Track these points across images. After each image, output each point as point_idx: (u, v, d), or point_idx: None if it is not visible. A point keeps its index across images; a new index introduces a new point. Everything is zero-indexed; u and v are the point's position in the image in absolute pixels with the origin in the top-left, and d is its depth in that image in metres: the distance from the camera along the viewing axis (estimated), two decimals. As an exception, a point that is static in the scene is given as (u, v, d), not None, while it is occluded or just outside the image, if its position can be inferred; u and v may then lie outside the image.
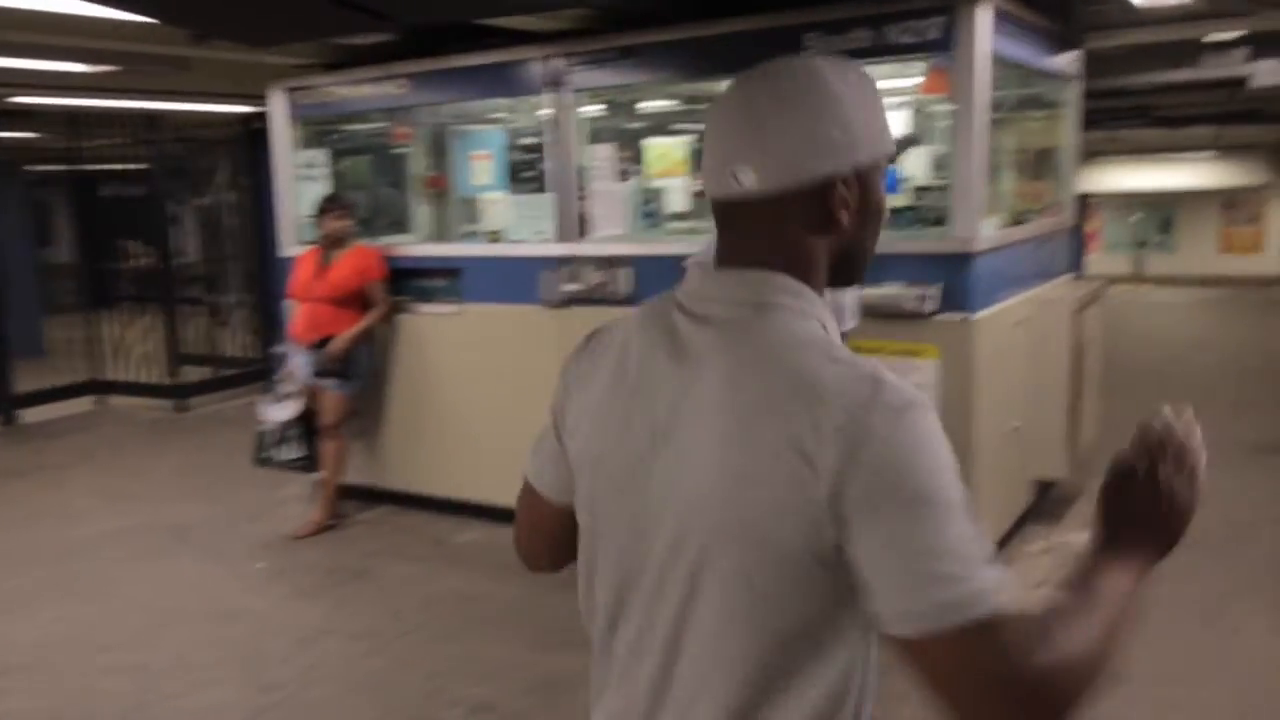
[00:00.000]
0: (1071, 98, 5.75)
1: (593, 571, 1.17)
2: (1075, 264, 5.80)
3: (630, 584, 1.11)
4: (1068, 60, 5.52)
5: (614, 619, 1.15)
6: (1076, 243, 5.62)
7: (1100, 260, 21.12)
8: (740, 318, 1.05)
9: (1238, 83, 8.32)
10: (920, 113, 4.98)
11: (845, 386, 0.98)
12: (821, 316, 1.08)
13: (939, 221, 4.38)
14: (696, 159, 5.73)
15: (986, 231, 4.29)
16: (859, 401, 0.96)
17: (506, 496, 5.54)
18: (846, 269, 1.12)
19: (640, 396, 1.10)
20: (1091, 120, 14.49)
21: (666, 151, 5.73)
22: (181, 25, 4.14)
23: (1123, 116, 13.42)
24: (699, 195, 5.64)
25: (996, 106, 4.24)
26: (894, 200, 4.59)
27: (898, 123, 5.06)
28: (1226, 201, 19.16)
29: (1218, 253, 19.47)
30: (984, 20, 4.06)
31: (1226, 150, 16.50)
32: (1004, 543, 4.79)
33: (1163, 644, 3.62)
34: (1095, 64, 8.68)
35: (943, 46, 4.11)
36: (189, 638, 4.20)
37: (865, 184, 1.08)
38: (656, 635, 1.09)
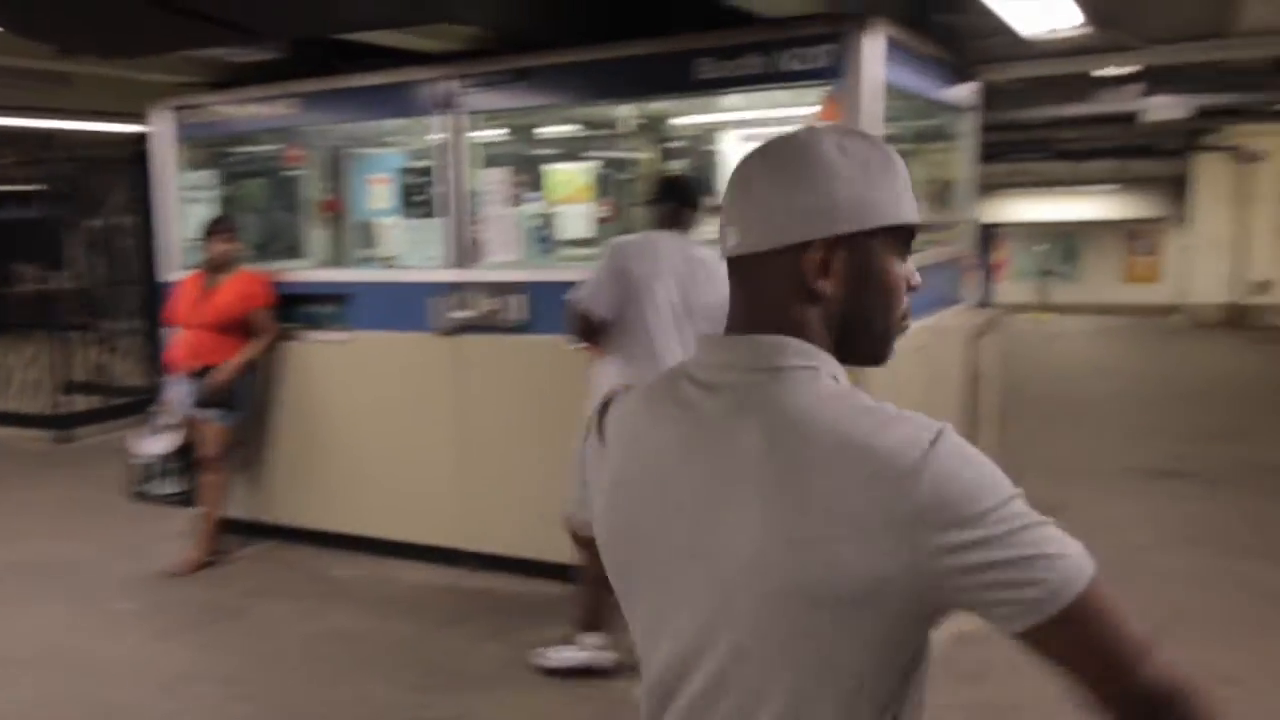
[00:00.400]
0: (969, 129, 5.81)
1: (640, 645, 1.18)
2: (975, 292, 5.83)
3: (680, 663, 1.10)
4: (964, 92, 5.58)
5: (667, 695, 1.12)
6: (967, 273, 5.66)
7: (1008, 289, 21.68)
8: (756, 383, 1.06)
9: (1130, 118, 8.57)
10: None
11: (882, 437, 0.98)
12: (836, 374, 1.08)
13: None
14: (601, 185, 5.67)
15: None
16: (903, 448, 0.97)
17: (396, 529, 5.36)
18: (854, 343, 1.11)
19: (659, 475, 1.11)
20: (996, 153, 14.90)
21: (569, 177, 5.65)
22: (29, 36, 3.94)
23: (1026, 149, 13.79)
24: (603, 221, 5.58)
25: (891, 136, 4.24)
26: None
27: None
28: (1128, 233, 19.79)
29: (1120, 282, 20.08)
30: (873, 48, 4.06)
31: (1128, 183, 17.03)
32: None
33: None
34: (994, 97, 8.85)
35: (833, 74, 4.10)
36: (41, 690, 3.94)
37: (860, 254, 1.08)
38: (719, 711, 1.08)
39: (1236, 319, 13.38)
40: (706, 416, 1.08)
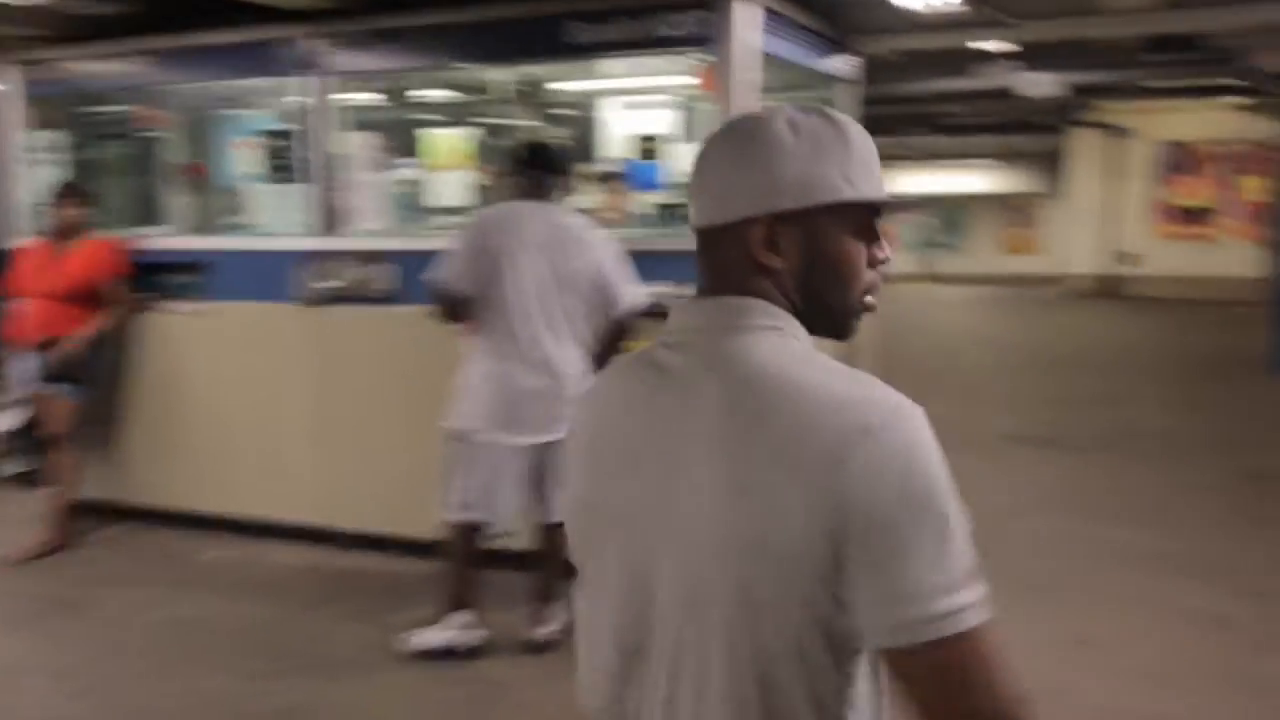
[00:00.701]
0: (849, 102, 5.79)
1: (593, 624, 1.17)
2: None
3: (644, 621, 1.09)
4: (844, 64, 5.57)
5: (632, 654, 1.11)
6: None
7: (897, 260, 22.09)
8: (720, 342, 1.06)
9: (1007, 94, 8.73)
10: (694, 110, 4.91)
11: (841, 401, 0.98)
12: (798, 336, 1.08)
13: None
14: (484, 152, 5.52)
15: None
16: (857, 415, 0.97)
17: (262, 508, 5.11)
18: (812, 317, 1.11)
19: (625, 436, 1.12)
20: (880, 127, 14.97)
21: (449, 143, 5.49)
22: None
23: (909, 124, 14.01)
24: (486, 188, 5.43)
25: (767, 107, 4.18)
26: (660, 198, 4.50)
27: (658, 120, 4.99)
28: (1009, 206, 20.35)
29: (1001, 253, 20.65)
30: (746, 16, 4.00)
31: (1009, 158, 17.46)
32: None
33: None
34: (876, 70, 8.92)
35: (707, 41, 4.03)
36: None
37: (809, 231, 1.08)
38: (669, 682, 1.07)
39: (1109, 289, 13.87)
40: (673, 377, 1.08)
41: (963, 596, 0.95)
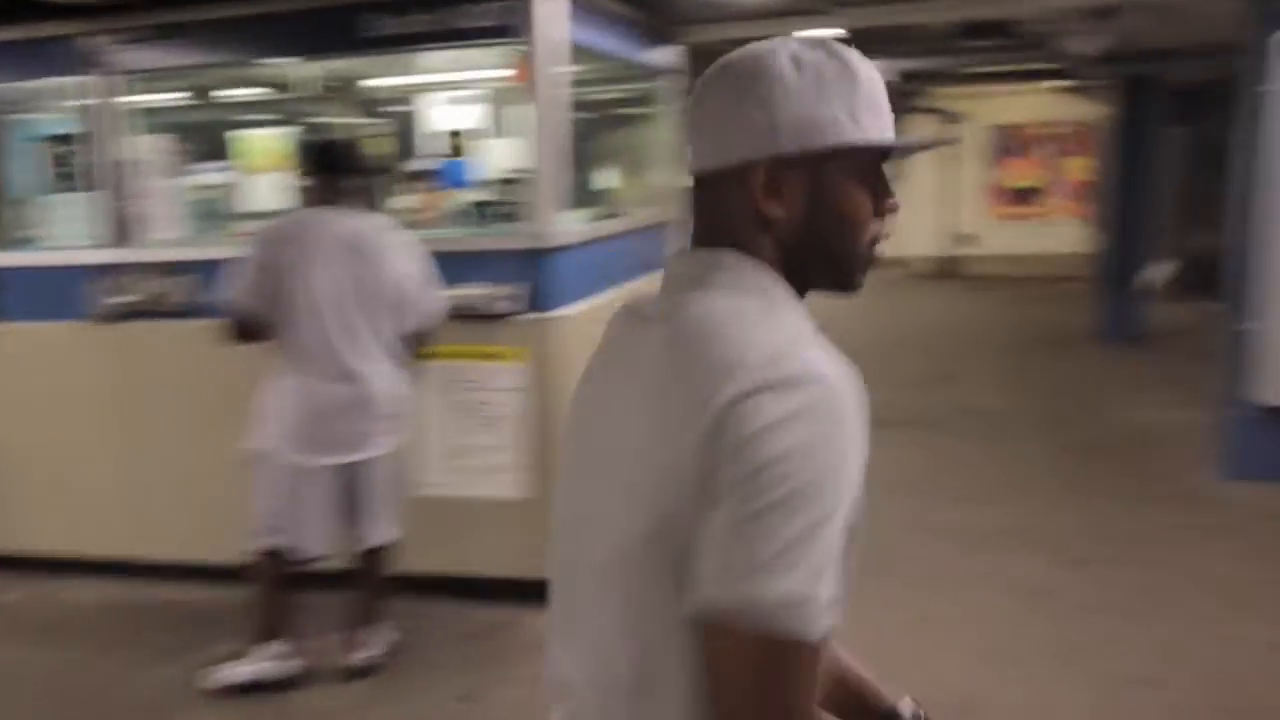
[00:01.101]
0: (671, 94, 5.74)
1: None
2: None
3: (573, 575, 1.08)
4: (665, 55, 5.51)
5: (564, 619, 1.10)
6: (669, 237, 5.59)
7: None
8: (682, 294, 1.02)
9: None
10: (509, 103, 4.77)
11: (746, 360, 0.92)
12: (770, 295, 1.01)
13: (519, 217, 4.17)
14: (301, 153, 5.23)
15: (570, 226, 4.14)
16: (752, 376, 0.91)
17: (61, 542, 4.68)
18: (813, 270, 1.05)
19: (598, 382, 1.12)
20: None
21: (262, 144, 5.20)
22: None
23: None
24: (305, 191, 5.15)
25: (587, 103, 4.08)
26: (474, 194, 4.36)
27: (469, 115, 4.83)
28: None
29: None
30: (551, 6, 3.88)
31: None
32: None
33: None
34: (707, 62, 8.95)
35: (512, 32, 3.89)
36: None
37: (812, 176, 1.01)
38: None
39: (949, 270, 14.30)
40: (639, 328, 1.06)
41: (772, 592, 0.86)
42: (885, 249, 1.08)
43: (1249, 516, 4.95)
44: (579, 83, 5.02)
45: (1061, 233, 13.53)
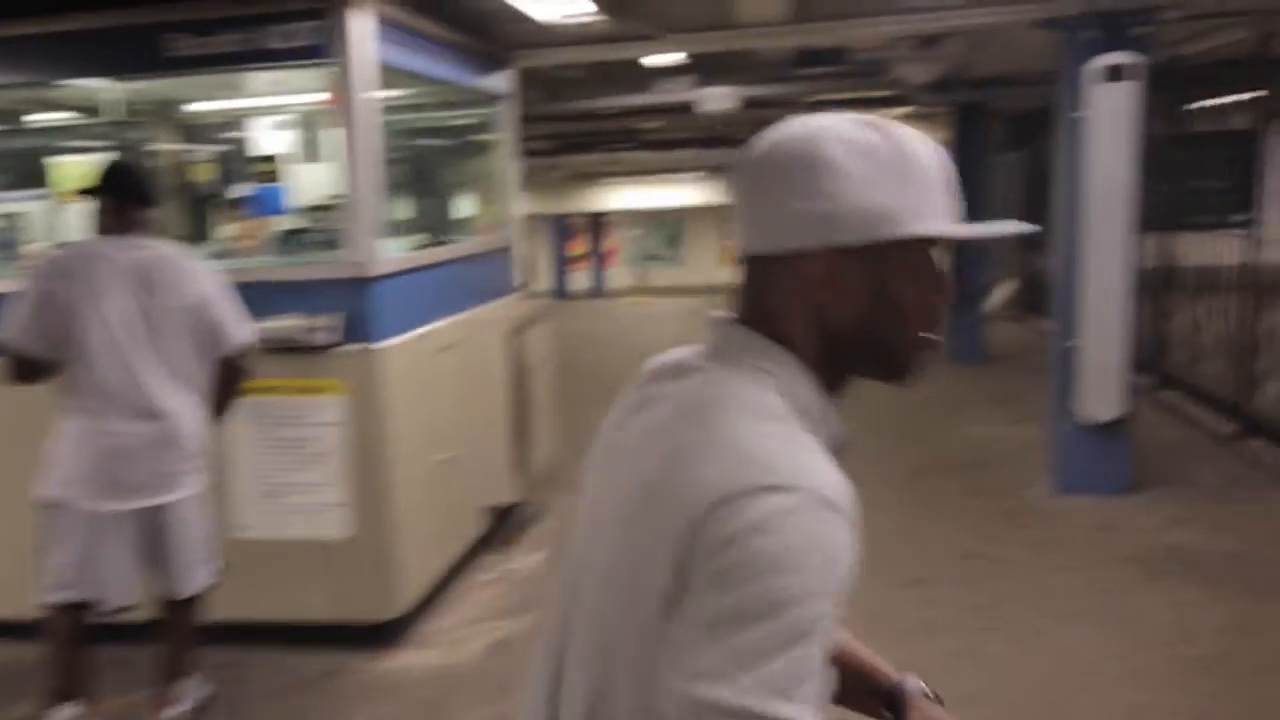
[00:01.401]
0: (505, 117, 5.66)
1: None
2: (511, 285, 5.55)
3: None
4: (498, 80, 5.44)
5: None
6: (511, 265, 5.49)
7: (619, 274, 22.56)
8: (703, 368, 1.01)
9: (687, 109, 8.94)
10: (327, 127, 4.62)
11: (738, 461, 0.89)
12: (794, 390, 0.98)
13: (339, 245, 4.03)
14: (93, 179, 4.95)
15: (390, 254, 4.01)
16: (737, 478, 0.88)
17: None
18: (863, 359, 1.01)
19: (616, 429, 1.09)
20: (582, 144, 15.24)
21: (77, 170, 4.90)
22: None
23: (613, 139, 14.24)
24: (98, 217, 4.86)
25: (418, 129, 3.95)
26: (286, 222, 4.20)
27: (285, 140, 4.68)
28: (724, 218, 21.17)
29: (717, 265, 21.42)
30: (362, 28, 3.77)
31: (724, 171, 18.11)
32: (455, 574, 4.57)
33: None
34: (556, 87, 8.93)
35: (323, 54, 3.76)
36: None
37: (872, 266, 0.96)
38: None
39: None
40: (666, 381, 1.04)
41: (728, 698, 0.82)
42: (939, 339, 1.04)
43: (1078, 529, 5.12)
44: (407, 107, 4.92)
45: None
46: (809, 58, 7.77)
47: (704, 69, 8.59)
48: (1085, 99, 5.17)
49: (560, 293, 20.17)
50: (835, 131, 0.97)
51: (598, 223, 22.28)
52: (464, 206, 5.47)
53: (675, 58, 8.20)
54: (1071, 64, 5.28)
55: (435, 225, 4.94)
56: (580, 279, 21.90)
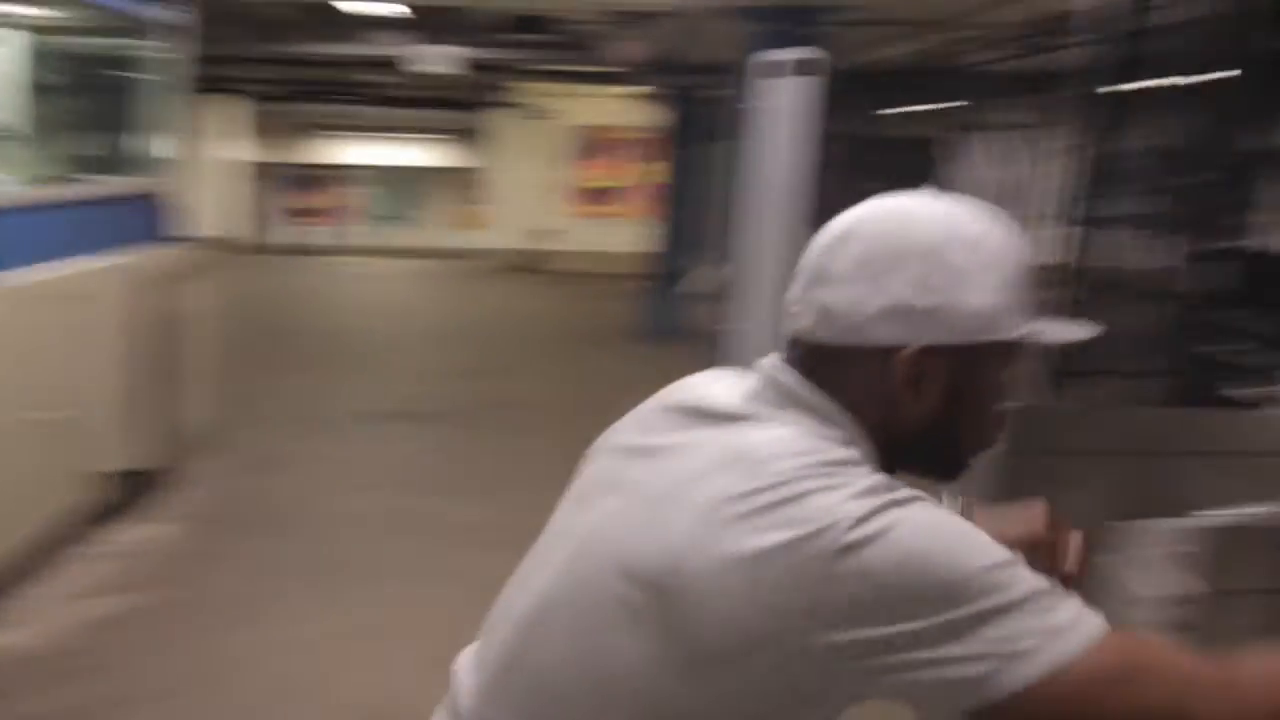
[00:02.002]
0: (174, 52, 5.16)
1: None
2: (164, 232, 5.06)
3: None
4: (160, 8, 4.95)
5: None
6: (166, 210, 5.04)
7: (358, 232, 21.76)
8: (756, 412, 0.94)
9: (392, 63, 8.67)
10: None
11: (823, 515, 0.82)
12: (847, 448, 0.90)
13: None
14: None
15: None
16: (830, 542, 0.81)
17: None
18: (920, 456, 0.95)
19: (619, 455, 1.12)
20: (312, 93, 14.60)
21: None
22: None
23: (338, 91, 13.71)
24: None
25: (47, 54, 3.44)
26: None
27: None
28: (460, 181, 20.79)
29: (451, 227, 21.05)
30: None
31: (461, 133, 17.75)
32: (58, 545, 4.13)
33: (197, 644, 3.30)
34: (267, 29, 8.42)
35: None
36: None
37: (961, 367, 0.90)
38: None
39: (532, 264, 14.59)
40: (701, 424, 0.97)
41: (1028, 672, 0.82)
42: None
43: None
44: (35, 28, 4.44)
45: (636, 233, 14.25)
46: (528, 24, 7.69)
47: (428, 26, 8.37)
48: (750, 89, 5.30)
49: (276, 246, 19.08)
50: (952, 226, 0.91)
51: (334, 177, 21.36)
52: (102, 144, 4.97)
53: (397, 9, 7.93)
54: (744, 55, 5.44)
55: (61, 161, 4.46)
56: (321, 235, 20.95)
